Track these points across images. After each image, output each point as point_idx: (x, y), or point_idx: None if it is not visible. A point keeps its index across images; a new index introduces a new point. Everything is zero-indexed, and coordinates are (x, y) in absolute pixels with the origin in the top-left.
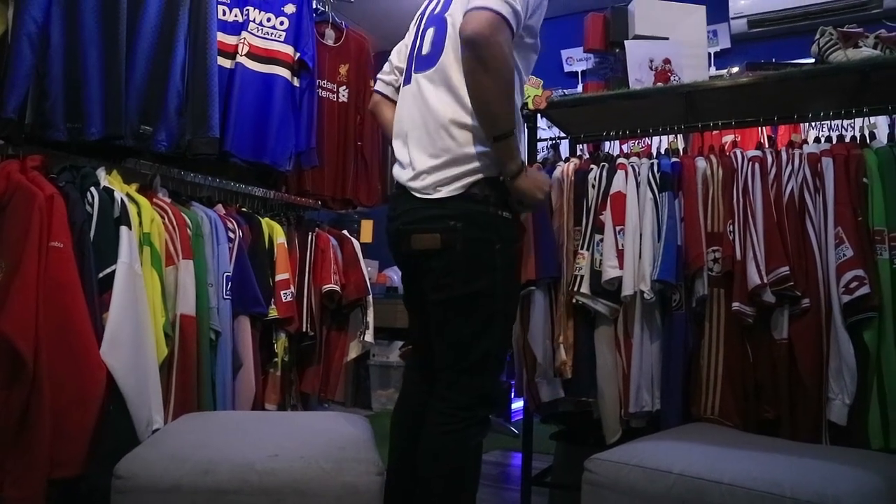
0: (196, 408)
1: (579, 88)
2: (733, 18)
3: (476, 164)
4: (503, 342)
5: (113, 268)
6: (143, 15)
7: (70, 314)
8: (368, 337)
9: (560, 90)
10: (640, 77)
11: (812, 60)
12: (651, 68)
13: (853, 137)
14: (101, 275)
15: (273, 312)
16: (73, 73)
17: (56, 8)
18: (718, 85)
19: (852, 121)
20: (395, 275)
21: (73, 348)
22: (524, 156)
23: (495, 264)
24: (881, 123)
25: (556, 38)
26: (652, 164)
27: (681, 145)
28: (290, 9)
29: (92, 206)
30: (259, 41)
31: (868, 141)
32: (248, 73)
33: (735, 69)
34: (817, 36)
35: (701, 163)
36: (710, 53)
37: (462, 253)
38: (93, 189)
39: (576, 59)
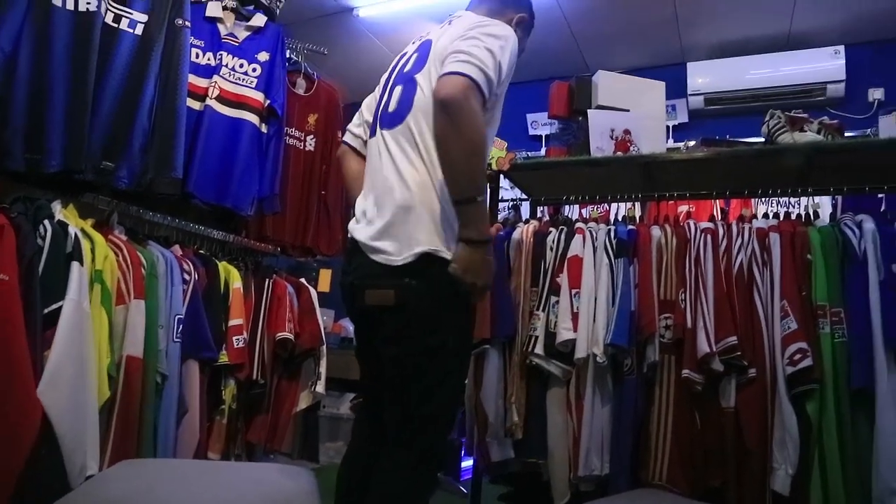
0: (135, 454)
1: (542, 152)
2: (691, 95)
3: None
4: (454, 399)
5: (60, 304)
6: (116, 52)
7: (8, 349)
8: (320, 388)
9: (524, 153)
10: (601, 145)
11: (762, 140)
12: (612, 137)
13: (799, 215)
14: (46, 310)
15: (223, 358)
16: (37, 103)
17: (26, 38)
18: (675, 157)
19: (798, 199)
20: (350, 325)
21: (8, 385)
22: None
23: (450, 322)
24: (825, 203)
25: (521, 101)
26: (609, 230)
27: (637, 213)
28: (263, 56)
29: (44, 239)
30: (230, 86)
31: (812, 219)
32: (217, 116)
33: (692, 143)
34: (767, 118)
35: (656, 231)
36: (668, 126)
37: (416, 310)
38: (46, 222)
39: (540, 124)
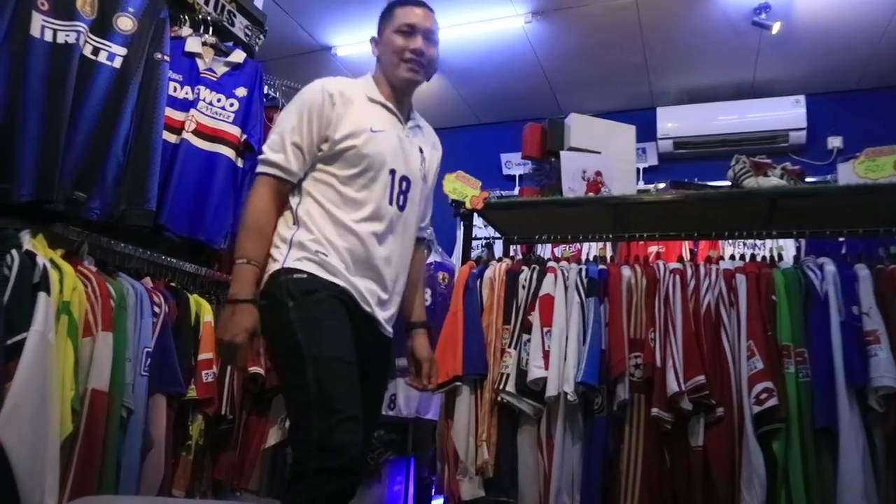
0: (95, 490)
1: (516, 191)
2: (660, 139)
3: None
4: (321, 388)
5: (24, 335)
6: (93, 84)
7: None
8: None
9: (497, 192)
10: (573, 186)
11: (729, 183)
12: (584, 178)
13: (764, 257)
14: (10, 341)
15: (192, 393)
16: (9, 131)
17: (2, 67)
18: (645, 199)
19: (763, 241)
20: None
21: None
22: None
23: (290, 319)
24: (788, 246)
25: (496, 141)
26: (580, 269)
27: (608, 253)
28: (241, 92)
29: (10, 268)
30: (207, 119)
31: (777, 261)
32: (193, 149)
33: (662, 185)
34: (733, 163)
35: (626, 271)
36: (638, 169)
37: (264, 324)
38: (14, 251)
39: (514, 164)
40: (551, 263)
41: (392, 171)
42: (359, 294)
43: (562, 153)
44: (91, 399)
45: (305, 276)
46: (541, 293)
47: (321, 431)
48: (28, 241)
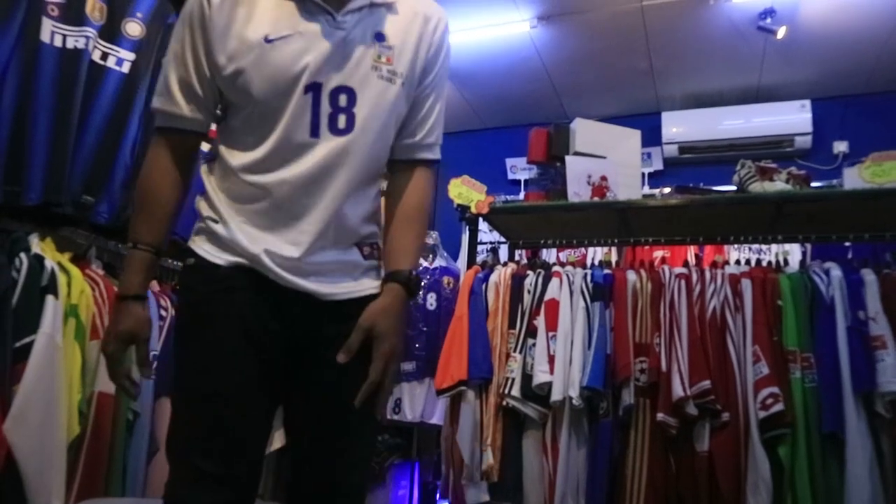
0: (102, 493)
1: (521, 196)
2: (666, 143)
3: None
4: (178, 431)
5: (32, 338)
6: (101, 88)
7: None
8: None
9: (503, 196)
10: (578, 190)
11: (734, 188)
12: (589, 183)
13: (769, 262)
14: (18, 344)
15: None
16: (19, 135)
17: (12, 72)
18: (650, 204)
19: (769, 246)
20: None
21: None
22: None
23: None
24: (794, 250)
25: (501, 146)
26: (586, 274)
27: (614, 258)
28: None
29: (19, 272)
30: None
31: (782, 266)
32: (202, 153)
33: (667, 189)
34: (738, 167)
35: (631, 276)
36: (644, 173)
37: None
38: (22, 255)
39: (519, 168)
40: (556, 268)
41: (311, 87)
42: (261, 265)
43: (567, 158)
44: (98, 402)
45: (193, 260)
46: (546, 298)
47: (169, 484)
48: (36, 245)
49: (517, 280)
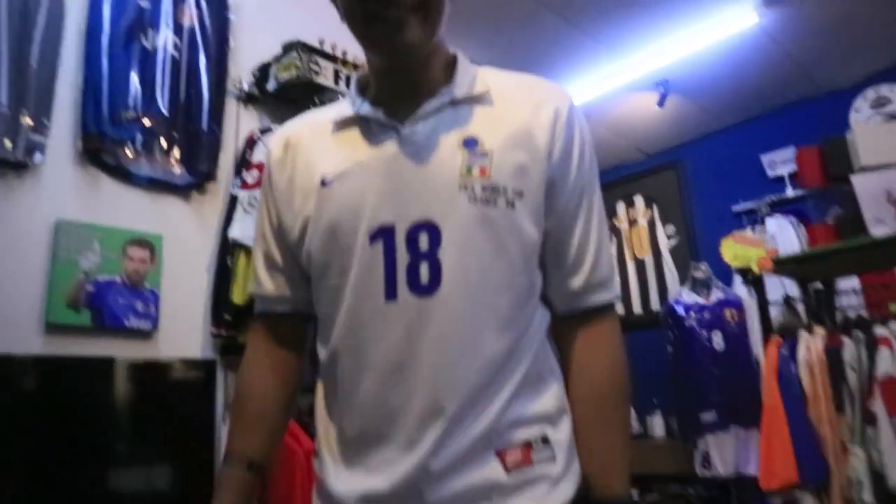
0: None
1: (788, 192)
2: None
3: None
4: None
5: None
6: None
7: None
8: None
9: (767, 198)
10: (878, 215)
11: None
12: (890, 202)
13: None
14: None
15: None
16: None
17: None
18: None
19: None
20: None
21: None
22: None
23: None
24: None
25: (750, 143)
26: None
27: None
28: None
29: None
30: None
31: None
32: None
33: None
34: None
35: None
36: None
37: None
38: None
39: (778, 162)
40: (880, 331)
41: (380, 232)
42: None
43: (853, 178)
44: None
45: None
46: (878, 376)
47: None
48: None
49: (832, 354)
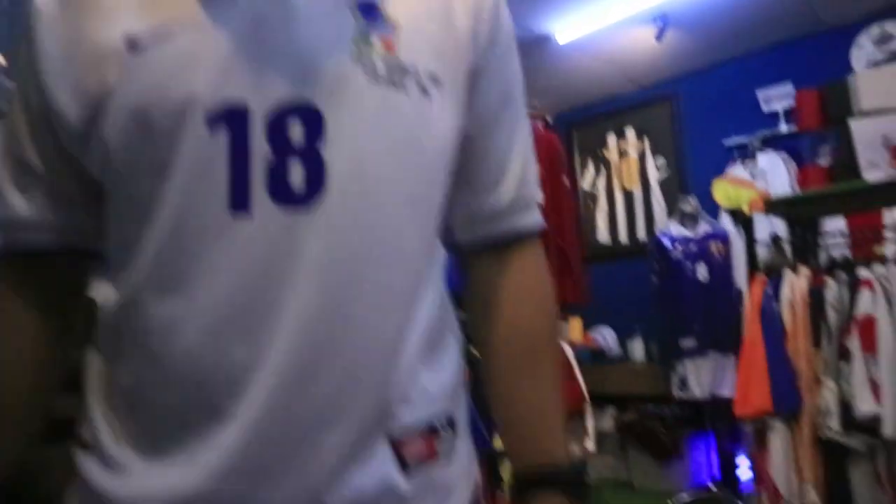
0: None
1: (782, 128)
2: None
3: None
4: None
5: None
6: None
7: None
8: (590, 445)
9: (761, 133)
10: (873, 158)
11: None
12: (886, 147)
13: None
14: None
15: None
16: None
17: None
18: None
19: None
20: (600, 336)
21: None
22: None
23: None
24: None
25: (747, 76)
26: None
27: None
28: None
29: None
30: None
31: None
32: None
33: None
34: None
35: None
36: None
37: None
38: None
39: (774, 98)
40: (864, 273)
41: (225, 116)
42: None
43: (851, 122)
44: None
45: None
46: (857, 315)
47: None
48: None
49: (815, 294)
